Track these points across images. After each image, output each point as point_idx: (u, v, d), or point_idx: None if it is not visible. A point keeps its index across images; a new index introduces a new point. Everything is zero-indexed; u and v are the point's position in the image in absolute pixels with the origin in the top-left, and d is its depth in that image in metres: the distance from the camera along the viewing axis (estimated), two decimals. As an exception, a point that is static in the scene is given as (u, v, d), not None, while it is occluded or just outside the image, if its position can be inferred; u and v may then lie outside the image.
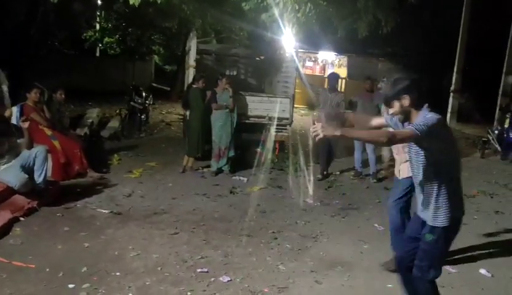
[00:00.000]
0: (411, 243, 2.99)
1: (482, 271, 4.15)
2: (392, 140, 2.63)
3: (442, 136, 2.72)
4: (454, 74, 14.02)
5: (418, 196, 2.95)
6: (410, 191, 3.99)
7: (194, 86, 7.10)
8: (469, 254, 4.51)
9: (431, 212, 2.79)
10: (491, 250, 4.69)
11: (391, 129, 3.08)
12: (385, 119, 3.15)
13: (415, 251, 2.92)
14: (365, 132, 2.83)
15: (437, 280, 2.98)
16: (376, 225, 5.30)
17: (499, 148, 10.04)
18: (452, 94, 14.36)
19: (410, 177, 3.23)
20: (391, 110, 2.89)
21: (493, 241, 4.92)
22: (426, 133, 2.58)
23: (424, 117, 2.70)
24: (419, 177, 2.84)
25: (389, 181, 7.34)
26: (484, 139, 10.37)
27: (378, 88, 4.31)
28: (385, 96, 2.94)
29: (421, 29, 16.59)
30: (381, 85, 4.09)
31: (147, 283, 3.59)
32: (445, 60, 14.84)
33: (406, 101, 2.78)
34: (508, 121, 9.92)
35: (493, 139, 10.43)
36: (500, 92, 13.03)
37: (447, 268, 3.19)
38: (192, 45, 8.17)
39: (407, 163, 3.62)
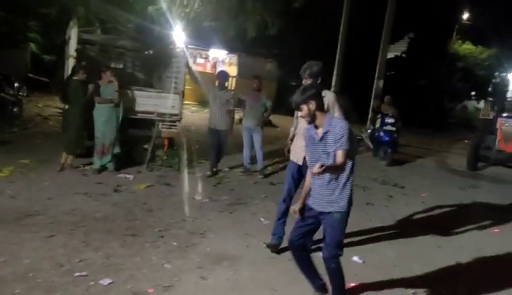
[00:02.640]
0: (302, 223, 3.41)
1: (355, 258, 4.54)
2: (342, 165, 3.17)
3: (351, 135, 3.21)
4: (334, 77, 15.10)
5: (317, 185, 3.29)
6: None
7: (74, 78, 6.62)
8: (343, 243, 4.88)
9: (338, 199, 3.22)
10: (362, 238, 5.14)
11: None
12: (305, 130, 3.49)
13: (304, 231, 3.40)
14: (332, 167, 3.17)
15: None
16: (262, 219, 5.48)
17: (371, 145, 11.08)
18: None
19: None
20: (299, 113, 3.33)
21: (364, 230, 5.39)
22: (349, 143, 3.16)
23: (330, 120, 3.23)
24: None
25: (275, 177, 7.67)
26: (358, 137, 11.35)
27: (303, 85, 4.30)
28: (294, 102, 3.31)
29: (304, 33, 17.58)
30: (305, 81, 4.34)
31: (16, 291, 3.27)
32: (326, 64, 15.92)
33: (313, 105, 3.21)
34: (379, 121, 10.97)
35: (366, 137, 11.49)
36: (373, 95, 14.37)
37: (320, 255, 3.42)
38: (73, 34, 7.57)
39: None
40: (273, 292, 3.69)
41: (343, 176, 3.24)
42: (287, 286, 3.80)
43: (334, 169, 3.17)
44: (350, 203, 3.28)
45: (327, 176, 3.20)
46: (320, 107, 3.26)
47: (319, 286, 3.54)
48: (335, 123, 3.23)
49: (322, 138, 3.23)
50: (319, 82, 4.25)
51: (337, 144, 3.15)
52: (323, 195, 3.27)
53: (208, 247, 4.48)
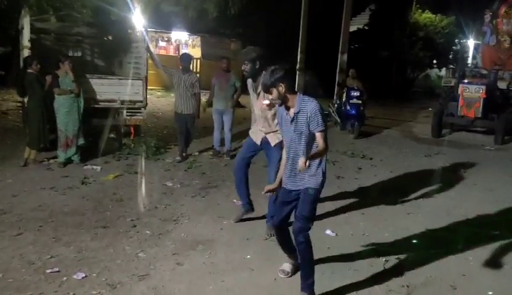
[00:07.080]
0: (285, 207, 3.41)
1: (328, 231, 4.62)
2: (325, 146, 3.16)
3: (323, 114, 3.20)
4: (298, 53, 15.06)
5: (292, 164, 3.27)
6: None
7: (29, 71, 6.34)
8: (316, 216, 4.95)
9: (314, 176, 3.23)
10: (334, 212, 5.23)
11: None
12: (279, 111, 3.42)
13: (288, 213, 3.41)
14: (318, 153, 3.18)
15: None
16: (234, 200, 5.46)
17: (338, 120, 11.21)
18: (298, 72, 15.46)
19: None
20: (270, 96, 3.25)
21: (336, 204, 5.48)
22: (325, 122, 3.18)
23: (300, 100, 3.18)
24: (301, 148, 3.17)
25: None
26: (325, 112, 11.43)
27: (242, 70, 4.47)
28: (264, 85, 3.26)
29: (266, 11, 17.39)
30: (244, 67, 4.45)
31: (-15, 295, 3.17)
32: (290, 41, 15.87)
33: (282, 88, 3.16)
34: (345, 95, 11.07)
35: (333, 111, 11.61)
36: (338, 69, 14.45)
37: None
38: (25, 23, 7.23)
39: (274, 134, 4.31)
40: (250, 272, 3.72)
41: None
42: (263, 265, 3.84)
43: (320, 155, 3.18)
44: (324, 179, 3.30)
45: (301, 148, 3.18)
46: (291, 88, 3.21)
47: (295, 256, 3.58)
48: (306, 102, 3.19)
49: (293, 119, 3.21)
50: (257, 66, 4.38)
51: (312, 125, 3.14)
52: (301, 174, 3.22)
53: (182, 232, 4.46)
